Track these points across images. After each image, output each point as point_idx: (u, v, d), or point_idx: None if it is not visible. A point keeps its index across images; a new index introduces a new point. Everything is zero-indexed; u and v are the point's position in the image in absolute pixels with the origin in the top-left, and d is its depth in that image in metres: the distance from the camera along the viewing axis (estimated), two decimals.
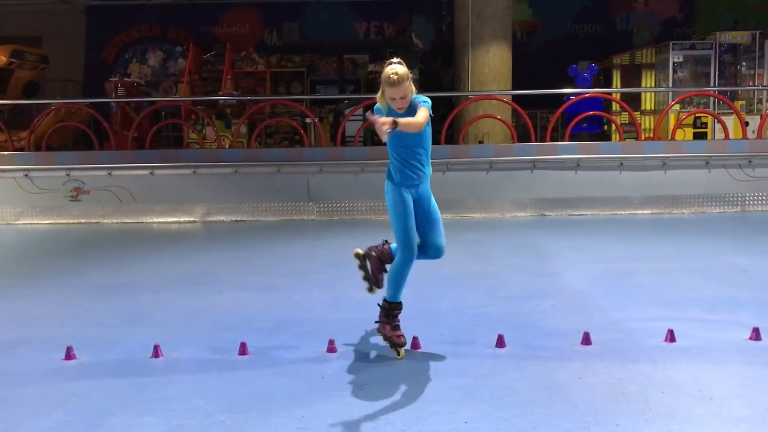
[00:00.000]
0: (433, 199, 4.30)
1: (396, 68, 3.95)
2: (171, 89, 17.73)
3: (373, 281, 4.58)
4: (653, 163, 9.93)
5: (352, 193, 10.06)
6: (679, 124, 10.86)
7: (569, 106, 11.28)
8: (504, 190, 9.97)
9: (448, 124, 10.56)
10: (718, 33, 13.55)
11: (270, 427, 3.25)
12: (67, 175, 10.17)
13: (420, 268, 6.71)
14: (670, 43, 13.38)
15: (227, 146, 12.07)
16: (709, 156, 9.90)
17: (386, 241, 4.62)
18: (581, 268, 6.51)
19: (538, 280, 6.03)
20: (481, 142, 11.77)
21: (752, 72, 13.49)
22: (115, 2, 17.66)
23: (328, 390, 3.69)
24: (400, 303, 4.29)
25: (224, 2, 18.09)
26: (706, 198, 9.92)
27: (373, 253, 4.57)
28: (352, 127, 12.02)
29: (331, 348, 4.28)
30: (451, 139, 12.50)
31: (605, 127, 13.84)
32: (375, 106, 4.19)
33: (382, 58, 14.90)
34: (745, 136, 10.69)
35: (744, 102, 13.23)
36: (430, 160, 4.24)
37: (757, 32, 13.63)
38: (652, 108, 13.88)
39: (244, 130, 12.68)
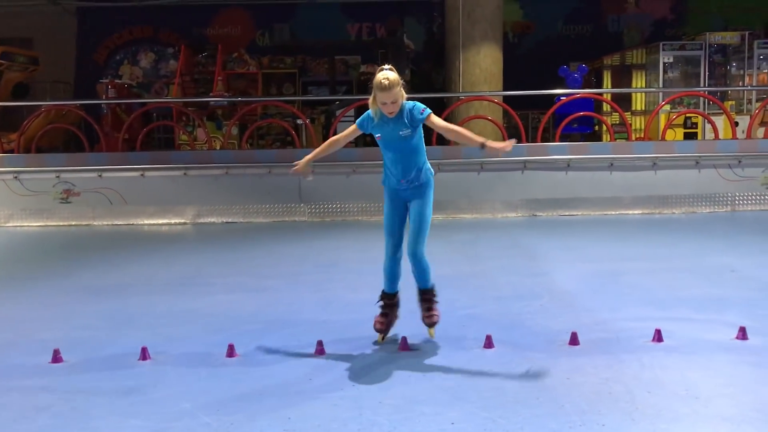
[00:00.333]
0: (425, 207, 4.33)
1: (387, 74, 4.10)
2: (163, 91, 17.69)
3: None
4: (644, 164, 9.97)
5: (343, 194, 10.06)
6: (669, 125, 10.90)
7: (560, 107, 11.31)
8: (495, 191, 9.99)
9: None
10: (707, 33, 13.61)
11: (256, 429, 3.25)
12: (57, 177, 10.14)
13: (410, 269, 6.75)
14: (660, 44, 13.43)
15: (218, 147, 12.05)
16: (699, 156, 9.95)
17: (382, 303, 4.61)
18: (571, 269, 6.53)
19: (528, 281, 6.04)
20: None
21: (742, 72, 13.55)
22: (106, 4, 17.60)
23: (316, 391, 3.69)
24: (385, 292, 4.49)
25: (216, 3, 18.06)
26: (697, 198, 9.96)
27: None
28: (343, 128, 12.00)
29: (320, 349, 4.27)
30: (443, 140, 12.49)
31: (596, 128, 13.87)
32: (365, 113, 4.31)
33: (374, 59, 14.93)
34: (734, 136, 10.74)
35: (734, 102, 13.28)
36: (420, 170, 4.28)
37: (747, 33, 13.70)
38: (643, 108, 13.92)
39: (235, 131, 12.65)
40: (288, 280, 6.29)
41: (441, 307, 5.27)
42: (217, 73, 15.26)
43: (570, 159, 9.98)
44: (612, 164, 9.98)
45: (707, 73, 13.30)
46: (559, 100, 11.38)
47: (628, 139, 10.73)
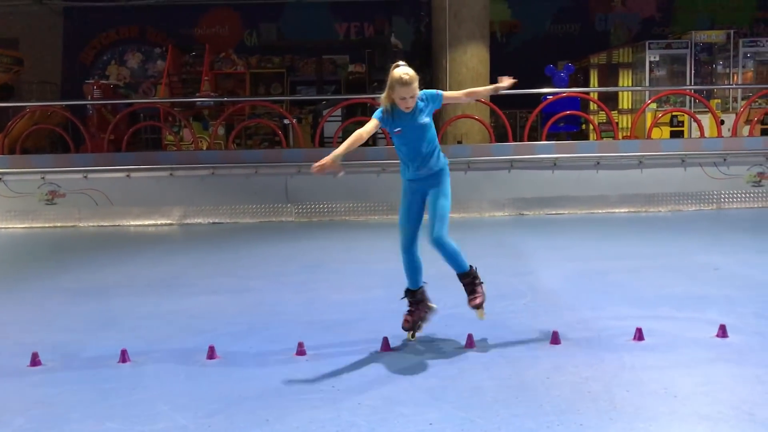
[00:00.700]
0: (443, 193, 4.42)
1: (406, 69, 4.24)
2: (150, 91, 17.62)
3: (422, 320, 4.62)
4: (630, 162, 10.01)
5: (330, 195, 10.04)
6: (655, 123, 10.94)
7: (547, 106, 11.33)
8: (482, 190, 9.99)
9: None
10: (693, 32, 13.66)
11: (233, 431, 3.23)
12: (43, 178, 10.10)
13: (394, 268, 6.73)
14: (647, 43, 13.47)
15: (205, 148, 12.01)
16: (685, 154, 9.99)
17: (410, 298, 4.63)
18: (556, 267, 6.54)
19: (512, 280, 6.04)
20: (459, 142, 11.79)
21: (727, 71, 13.61)
22: (93, 3, 17.52)
23: (295, 393, 3.67)
24: (413, 290, 4.54)
25: (203, 3, 18.00)
26: (682, 196, 10.01)
27: (420, 313, 4.60)
28: (330, 128, 12.00)
29: (301, 351, 4.26)
30: None
31: (583, 127, 13.91)
32: (378, 109, 4.34)
33: (362, 59, 14.92)
34: (720, 135, 10.79)
35: (719, 101, 13.34)
36: (436, 156, 4.40)
37: (732, 31, 13.77)
38: (630, 107, 13.96)
39: (222, 131, 12.61)
40: (272, 281, 6.27)
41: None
42: (204, 73, 15.21)
43: (557, 158, 10.00)
44: (598, 163, 10.02)
45: (693, 72, 13.35)
46: (546, 99, 11.39)
47: (614, 137, 10.75)
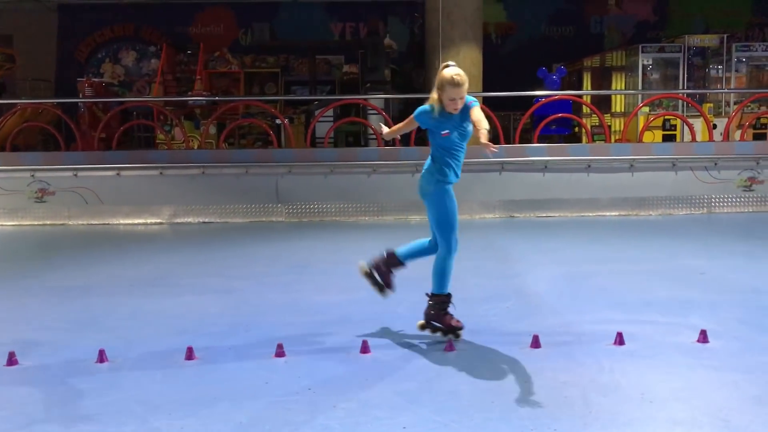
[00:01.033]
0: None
1: (457, 70, 4.21)
2: (144, 89, 17.59)
3: (386, 288, 4.82)
4: (621, 165, 9.99)
5: (321, 195, 10.02)
6: (647, 127, 10.94)
7: (538, 108, 11.32)
8: (472, 192, 9.94)
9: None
10: (686, 36, 13.67)
11: None
12: (32, 175, 10.05)
13: None
14: (640, 46, 13.47)
15: (196, 147, 11.97)
16: (676, 158, 9.99)
17: (388, 251, 4.80)
18: (542, 270, 6.53)
19: (497, 283, 6.03)
20: None
21: (720, 75, 13.62)
22: (88, 1, 17.48)
23: (271, 395, 3.65)
24: (450, 293, 4.56)
25: (199, 2, 17.97)
26: (673, 200, 10.00)
27: (381, 266, 4.78)
28: (323, 128, 11.97)
29: (280, 352, 4.23)
30: (422, 141, 12.49)
31: (576, 129, 13.90)
32: (422, 108, 4.32)
33: (354, 59, 14.90)
34: (711, 139, 10.79)
35: (712, 105, 13.35)
36: None
37: (725, 36, 13.77)
38: (623, 110, 13.96)
39: (213, 130, 12.58)
40: (257, 281, 6.25)
41: (409, 309, 5.29)
42: (198, 72, 15.18)
43: (547, 160, 9.98)
44: (589, 166, 10.00)
45: (686, 76, 13.35)
46: (538, 101, 11.38)
47: (606, 140, 10.74)
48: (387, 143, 11.60)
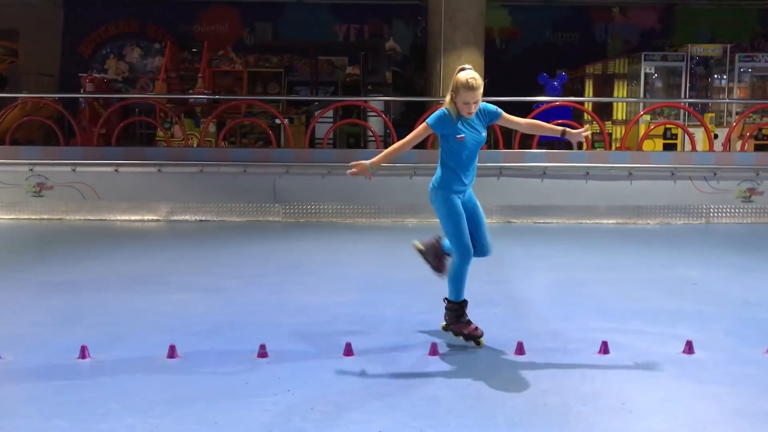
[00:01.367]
0: (476, 200, 4.51)
1: (473, 74, 4.16)
2: (148, 86, 17.60)
3: (439, 270, 4.81)
4: (620, 173, 9.96)
5: (318, 196, 10.00)
6: (647, 135, 10.90)
7: (539, 114, 11.26)
8: None
9: None
10: (689, 45, 13.63)
11: None
12: (31, 170, 10.06)
13: (372, 272, 6.71)
14: (642, 54, 13.43)
15: (195, 145, 11.97)
16: (675, 167, 9.94)
17: (438, 237, 4.76)
18: (534, 277, 6.51)
19: (488, 288, 5.99)
20: None
21: (723, 85, 13.57)
22: None
23: (250, 396, 3.63)
24: (465, 301, 4.49)
25: (204, 0, 18.00)
26: (671, 209, 9.96)
27: (431, 249, 4.79)
28: (322, 130, 11.97)
29: (262, 353, 4.22)
30: (420, 144, 12.48)
31: None
32: (439, 113, 4.24)
33: (358, 61, 14.87)
34: (712, 149, 10.74)
35: (713, 114, 13.30)
36: None
37: (728, 45, 13.72)
38: (624, 118, 13.93)
39: (213, 129, 12.58)
40: (247, 281, 6.23)
41: (397, 311, 5.29)
42: (201, 71, 15.19)
43: (546, 166, 9.96)
44: (588, 173, 9.97)
45: (688, 85, 13.30)
46: (538, 107, 11.35)
47: (605, 148, 10.71)
48: (386, 146, 11.59)
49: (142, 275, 6.48)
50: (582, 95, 14.80)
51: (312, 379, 3.89)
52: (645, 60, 13.28)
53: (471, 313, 5.15)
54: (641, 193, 9.91)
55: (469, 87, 4.09)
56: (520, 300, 5.66)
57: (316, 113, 12.11)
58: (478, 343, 4.40)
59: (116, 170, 10.05)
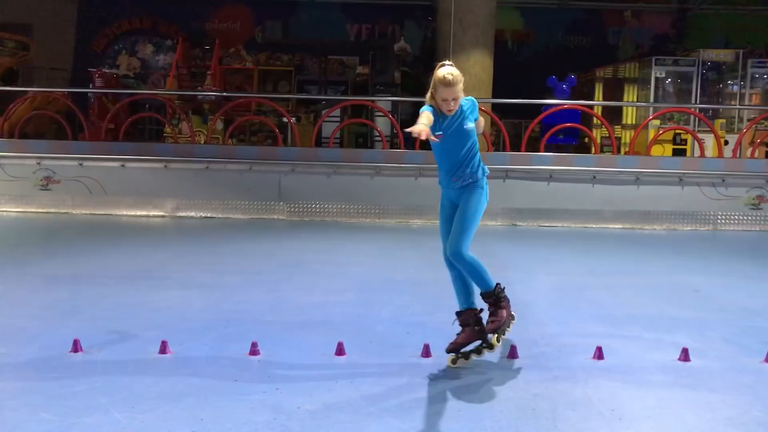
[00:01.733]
0: (468, 206, 4.16)
1: (451, 70, 3.99)
2: (159, 82, 17.67)
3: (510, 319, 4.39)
4: (626, 178, 9.88)
5: (323, 194, 10.00)
6: (655, 140, 10.81)
7: (547, 117, 11.23)
8: None
9: None
10: (701, 50, 13.51)
11: (163, 429, 3.18)
12: (38, 163, 10.12)
13: (372, 272, 6.70)
14: (653, 59, 13.33)
15: (203, 142, 12.00)
16: (683, 173, 9.85)
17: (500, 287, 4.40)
18: (534, 280, 6.46)
19: None
20: None
21: (735, 90, 13.44)
22: None
23: (237, 393, 3.62)
24: (459, 311, 4.23)
25: None
26: (678, 215, 9.87)
27: (505, 317, 4.33)
28: (329, 129, 11.96)
29: (254, 350, 4.21)
30: (425, 145, 12.45)
31: (586, 140, 13.79)
32: (424, 106, 4.08)
33: (367, 61, 14.88)
34: (721, 155, 10.64)
35: (724, 120, 13.18)
36: (474, 167, 4.14)
37: (741, 51, 13.59)
38: (634, 122, 13.83)
39: (220, 126, 12.61)
40: (246, 278, 6.23)
41: (392, 312, 5.26)
42: (212, 68, 15.23)
43: (553, 170, 9.90)
44: (595, 177, 9.90)
45: (699, 90, 13.18)
46: (546, 110, 11.30)
47: (612, 152, 10.64)
48: (393, 146, 11.59)
49: (143, 271, 6.49)
50: (591, 99, 14.71)
51: (301, 377, 3.88)
52: (656, 64, 13.16)
53: None
54: (648, 199, 9.83)
55: (446, 83, 3.92)
56: (518, 303, 5.55)
57: (323, 112, 12.11)
58: (507, 327, 4.23)
59: (123, 165, 10.09)
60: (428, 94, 4.08)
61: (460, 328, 4.18)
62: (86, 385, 3.69)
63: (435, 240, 8.30)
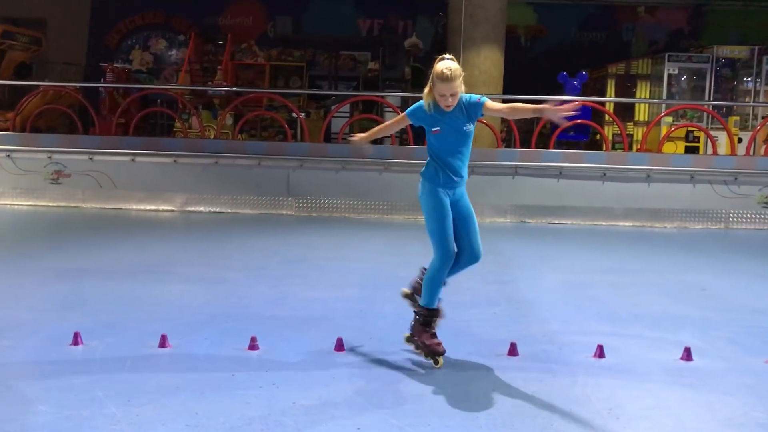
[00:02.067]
0: (469, 202, 4.14)
1: (449, 64, 3.89)
2: (172, 77, 17.73)
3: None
4: (637, 175, 9.80)
5: (331, 190, 10.00)
6: (667, 137, 10.71)
7: None
8: (485, 195, 9.83)
9: None
10: (715, 47, 13.35)
11: (158, 423, 3.19)
12: (49, 157, 10.19)
13: (377, 268, 6.68)
14: (666, 55, 13.19)
15: (212, 137, 12.03)
16: (695, 171, 9.76)
17: (424, 268, 4.32)
18: (540, 278, 6.43)
19: (490, 288, 5.94)
20: None
21: (749, 87, 13.27)
22: None
23: (234, 388, 3.63)
24: (438, 309, 4.15)
25: None
26: (690, 213, 9.78)
27: (417, 286, 4.35)
28: (337, 125, 11.95)
29: (253, 345, 4.21)
30: None
31: (597, 137, 13.69)
32: (415, 105, 4.07)
33: (376, 57, 14.85)
34: (734, 153, 10.53)
35: (738, 118, 13.02)
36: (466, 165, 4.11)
37: (756, 47, 13.41)
38: (646, 119, 13.70)
39: (230, 121, 12.63)
40: (250, 273, 6.24)
41: (394, 309, 5.23)
42: (224, 63, 15.27)
43: (563, 166, 9.83)
44: (605, 174, 9.82)
45: (713, 87, 13.03)
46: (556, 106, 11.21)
47: (623, 149, 10.55)
48: (401, 141, 11.55)
49: (149, 264, 6.52)
50: (603, 95, 14.58)
51: (299, 373, 3.87)
52: (669, 61, 13.03)
53: (468, 312, 5.16)
54: (659, 196, 9.75)
55: (443, 78, 3.82)
56: (522, 301, 5.59)
57: (332, 108, 12.10)
58: (436, 362, 3.99)
59: (133, 160, 10.13)
60: (426, 89, 4.00)
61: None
62: (84, 377, 3.71)
63: None
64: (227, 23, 18.13)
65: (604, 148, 10.95)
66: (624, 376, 3.94)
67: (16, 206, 10.05)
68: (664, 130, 12.01)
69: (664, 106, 12.31)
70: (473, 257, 4.14)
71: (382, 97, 12.02)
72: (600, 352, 4.22)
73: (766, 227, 9.73)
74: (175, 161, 10.13)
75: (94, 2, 18.22)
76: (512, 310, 5.28)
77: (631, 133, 13.73)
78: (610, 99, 14.05)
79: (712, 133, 11.00)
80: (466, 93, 4.02)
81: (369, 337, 4.51)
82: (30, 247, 7.26)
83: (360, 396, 3.57)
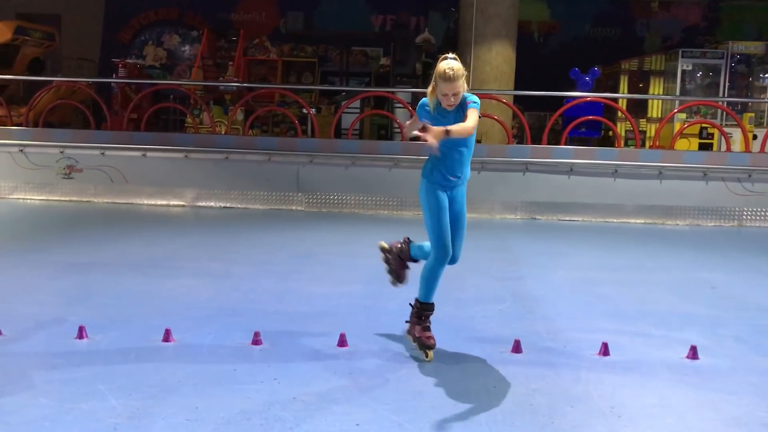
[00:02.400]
0: (464, 206, 4.17)
1: (451, 63, 3.86)
2: (185, 73, 17.80)
3: (395, 276, 4.58)
4: (649, 172, 9.73)
5: (341, 186, 10.00)
6: (680, 134, 10.61)
7: (569, 110, 11.08)
8: (495, 191, 9.82)
9: None
10: (730, 42, 13.20)
11: (158, 416, 3.20)
12: (61, 152, 10.26)
13: (382, 265, 6.65)
14: (680, 51, 13.06)
15: (223, 132, 12.07)
16: (708, 168, 9.67)
17: (407, 239, 4.52)
18: (547, 274, 6.39)
19: (497, 284, 5.92)
20: (478, 141, 11.61)
21: (765, 84, 13.12)
22: None
23: (235, 383, 3.63)
24: (432, 304, 4.17)
25: None
26: (702, 211, 9.69)
27: (394, 250, 4.53)
28: (348, 120, 11.94)
29: (256, 340, 4.21)
30: None
31: (610, 133, 13.59)
32: (421, 101, 4.07)
33: (388, 53, 14.81)
34: (748, 150, 10.41)
35: (753, 114, 12.87)
36: (469, 163, 4.12)
37: None
38: (659, 116, 13.58)
39: (241, 116, 12.66)
40: (257, 268, 6.25)
41: (399, 305, 5.21)
42: (236, 59, 15.30)
43: (574, 163, 9.77)
44: (616, 171, 9.75)
45: (728, 83, 12.89)
46: (568, 102, 11.15)
47: (635, 146, 10.46)
48: (411, 137, 11.50)
49: (156, 259, 6.55)
50: (616, 91, 14.47)
51: (300, 368, 3.87)
52: (683, 57, 12.91)
53: (473, 308, 5.15)
54: (671, 193, 9.67)
55: (446, 78, 3.80)
56: (528, 298, 5.56)
57: (342, 104, 12.09)
58: (427, 355, 4.01)
59: (144, 155, 10.19)
60: (429, 88, 4.01)
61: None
62: (87, 371, 3.73)
63: None
64: (240, 19, 18.17)
65: (616, 145, 10.87)
66: (628, 374, 3.90)
67: (28, 200, 10.14)
68: (677, 127, 11.90)
69: (677, 102, 12.19)
70: (453, 259, 4.18)
71: (392, 92, 11.99)
72: (604, 350, 4.19)
73: None
74: (186, 156, 10.17)
75: None
76: (518, 307, 5.25)
77: (644, 129, 13.62)
78: (621, 95, 13.95)
79: (727, 130, 10.90)
80: (470, 91, 4.01)
81: (372, 333, 4.51)
82: (40, 241, 7.32)
83: (361, 392, 3.56)
